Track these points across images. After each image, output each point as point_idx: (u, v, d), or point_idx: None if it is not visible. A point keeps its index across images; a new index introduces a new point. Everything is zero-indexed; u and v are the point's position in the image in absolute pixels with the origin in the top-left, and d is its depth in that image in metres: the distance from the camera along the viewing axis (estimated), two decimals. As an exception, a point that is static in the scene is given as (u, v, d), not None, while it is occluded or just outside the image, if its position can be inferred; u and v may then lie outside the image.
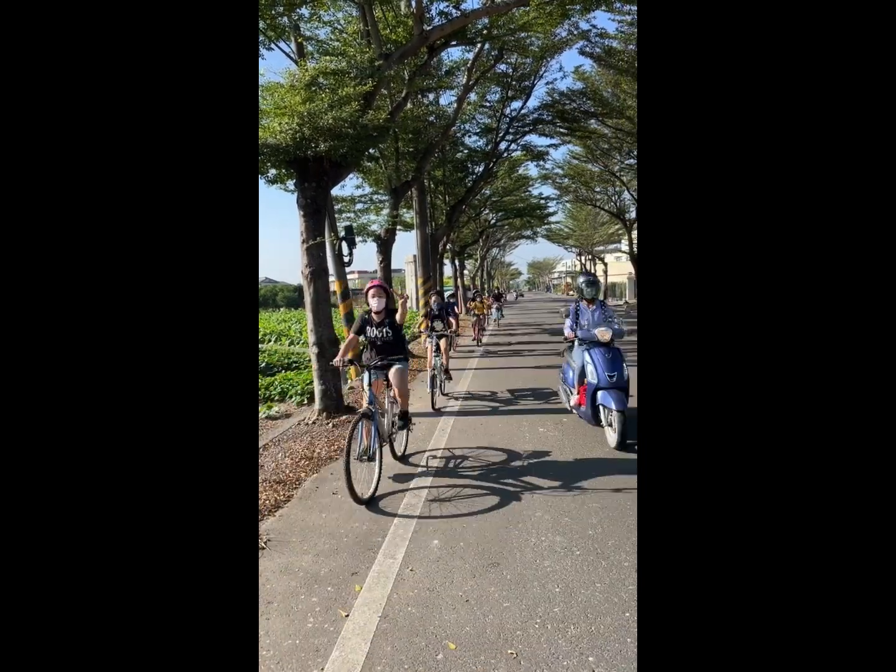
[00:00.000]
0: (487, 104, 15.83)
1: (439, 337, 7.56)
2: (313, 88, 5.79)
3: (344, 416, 6.31)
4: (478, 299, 15.73)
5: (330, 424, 6.08)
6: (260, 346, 15.47)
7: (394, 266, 11.48)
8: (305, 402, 8.35)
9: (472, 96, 14.54)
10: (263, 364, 11.95)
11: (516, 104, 15.77)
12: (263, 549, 3.24)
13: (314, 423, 6.19)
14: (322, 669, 2.17)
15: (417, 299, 18.06)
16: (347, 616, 2.51)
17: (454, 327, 8.01)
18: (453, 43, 8.86)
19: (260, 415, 7.55)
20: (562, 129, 17.15)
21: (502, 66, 13.96)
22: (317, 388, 6.50)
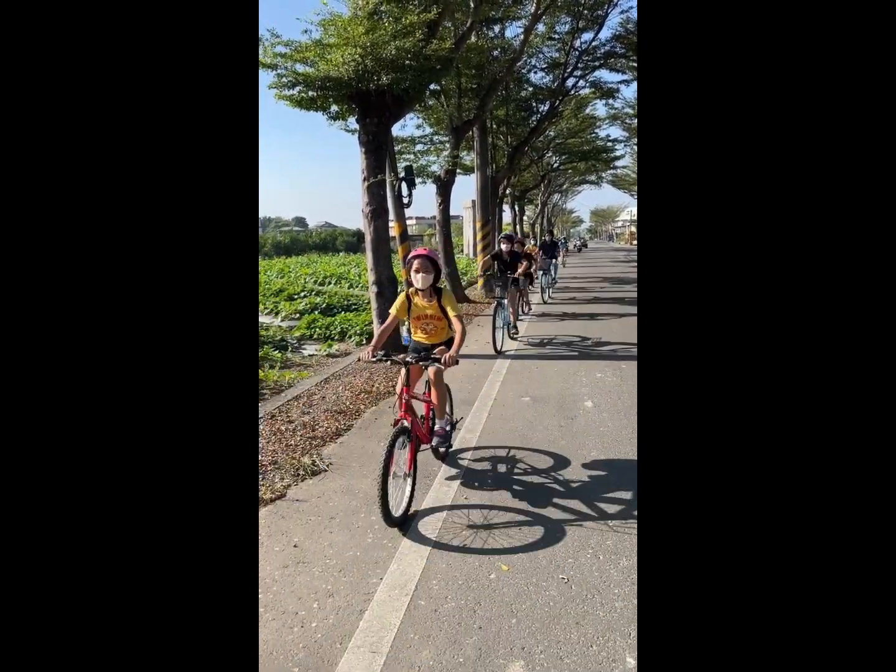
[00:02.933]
0: (556, 36, 14.83)
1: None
2: (376, 17, 5.61)
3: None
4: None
5: (388, 362, 6.21)
6: (321, 287, 15.86)
7: (452, 212, 11.29)
8: (364, 341, 8.57)
9: (540, 27, 13.64)
10: (324, 305, 12.30)
11: (587, 36, 14.70)
12: (326, 471, 3.42)
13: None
14: (381, 579, 2.30)
15: (475, 245, 17.81)
16: (405, 534, 2.64)
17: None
18: (523, -35, 8.29)
19: (321, 353, 7.83)
20: (635, 64, 15.96)
21: (574, -8, 12.99)
22: (376, 327, 6.64)
